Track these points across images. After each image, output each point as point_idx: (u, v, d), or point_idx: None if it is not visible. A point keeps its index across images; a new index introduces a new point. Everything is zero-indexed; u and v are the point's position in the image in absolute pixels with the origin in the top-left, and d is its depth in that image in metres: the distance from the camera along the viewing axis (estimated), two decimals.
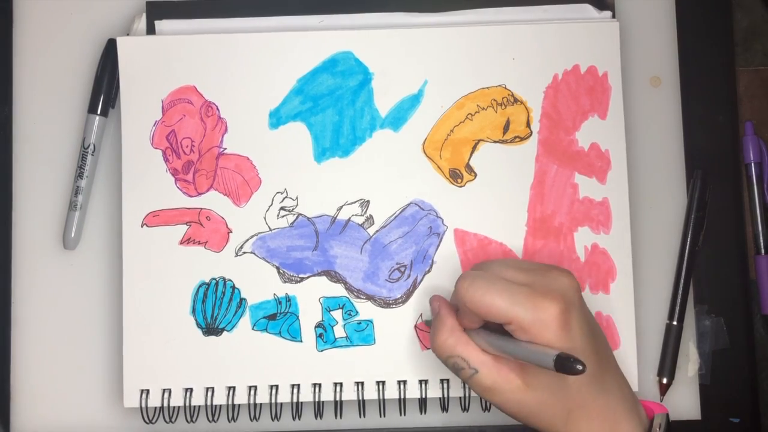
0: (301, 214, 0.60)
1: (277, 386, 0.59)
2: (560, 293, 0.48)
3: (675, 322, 0.60)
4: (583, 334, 0.48)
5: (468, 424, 0.60)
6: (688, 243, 0.60)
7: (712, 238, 0.61)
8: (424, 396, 0.59)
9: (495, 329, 0.50)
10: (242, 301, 0.59)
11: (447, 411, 0.59)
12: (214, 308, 0.59)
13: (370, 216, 0.60)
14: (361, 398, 0.59)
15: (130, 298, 0.59)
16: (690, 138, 0.62)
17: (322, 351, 0.59)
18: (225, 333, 0.59)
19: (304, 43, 0.60)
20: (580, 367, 0.43)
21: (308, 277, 0.60)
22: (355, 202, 0.60)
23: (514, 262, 0.52)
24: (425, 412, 0.59)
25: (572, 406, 0.49)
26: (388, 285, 0.59)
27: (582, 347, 0.48)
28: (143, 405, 0.59)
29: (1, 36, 0.63)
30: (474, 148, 0.60)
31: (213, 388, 0.59)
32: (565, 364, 0.44)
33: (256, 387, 0.59)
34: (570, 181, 0.60)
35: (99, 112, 0.61)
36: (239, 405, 0.59)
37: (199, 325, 0.59)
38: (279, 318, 0.59)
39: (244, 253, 0.60)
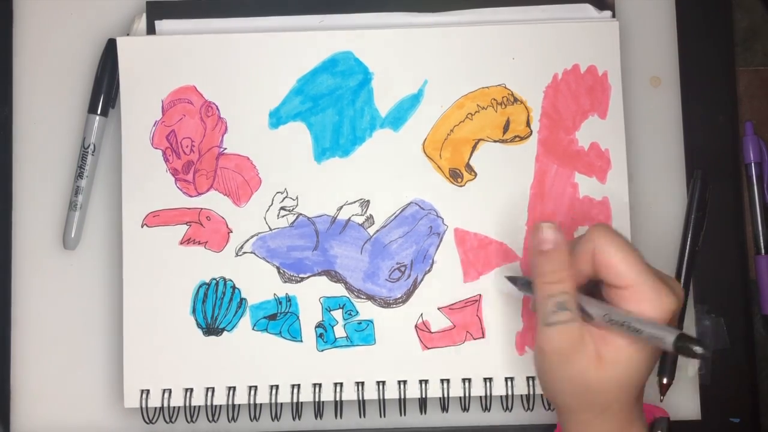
0: (301, 214, 0.60)
1: (277, 386, 0.59)
2: (678, 294, 0.48)
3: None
4: (658, 354, 0.49)
5: (468, 424, 0.60)
6: (688, 243, 0.60)
7: (712, 238, 0.61)
8: (424, 396, 0.59)
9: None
10: (242, 301, 0.59)
11: (447, 411, 0.59)
12: (215, 308, 0.59)
13: (370, 216, 0.60)
14: (361, 398, 0.59)
15: (130, 298, 0.59)
16: (690, 138, 0.62)
17: (322, 351, 0.59)
18: (225, 333, 0.59)
19: (304, 43, 0.60)
20: (700, 350, 0.42)
21: (308, 277, 0.60)
22: (355, 202, 0.60)
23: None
24: (425, 412, 0.59)
25: (621, 397, 0.48)
26: (389, 285, 0.59)
27: (654, 360, 0.48)
28: (143, 405, 0.59)
29: (1, 36, 0.63)
30: (474, 147, 0.60)
31: (213, 388, 0.59)
32: (684, 345, 0.42)
33: (256, 387, 0.59)
34: (570, 180, 0.60)
35: (99, 112, 0.61)
36: (239, 405, 0.59)
37: (199, 326, 0.59)
38: (279, 318, 0.59)
39: (245, 253, 0.60)
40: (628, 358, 0.47)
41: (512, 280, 0.56)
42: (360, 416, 0.59)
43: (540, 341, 0.48)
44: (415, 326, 0.59)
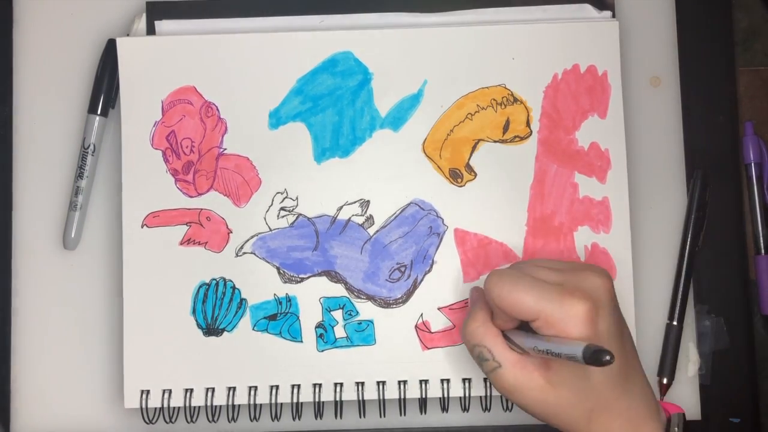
0: (301, 215, 0.60)
1: (277, 386, 0.59)
2: (589, 292, 0.48)
3: (675, 322, 0.60)
4: (611, 334, 0.48)
5: (468, 425, 0.60)
6: (688, 243, 0.60)
7: (712, 238, 0.61)
8: (424, 396, 0.59)
9: (525, 330, 0.50)
10: (242, 301, 0.59)
11: (447, 411, 0.59)
12: (215, 309, 0.59)
13: (370, 216, 0.60)
14: (361, 398, 0.59)
15: (130, 299, 0.59)
16: (690, 138, 0.62)
17: (322, 351, 0.59)
18: (225, 333, 0.59)
19: (304, 43, 0.60)
20: (608, 358, 0.42)
21: (308, 278, 0.60)
22: (355, 202, 0.60)
23: (548, 261, 0.52)
24: (425, 413, 0.59)
25: (595, 406, 0.48)
26: (389, 285, 0.59)
27: (608, 347, 0.47)
28: (143, 405, 0.59)
29: (1, 36, 0.63)
30: (474, 147, 0.60)
31: (213, 388, 0.59)
32: (593, 356, 0.43)
33: (256, 387, 0.59)
34: (570, 180, 0.60)
35: (99, 112, 0.61)
36: (239, 405, 0.59)
37: (199, 326, 0.59)
38: (279, 318, 0.59)
39: (245, 253, 0.60)
40: (573, 373, 0.48)
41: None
42: (360, 416, 0.59)
43: (496, 388, 0.51)
44: (415, 326, 0.59)
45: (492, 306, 0.50)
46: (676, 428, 0.50)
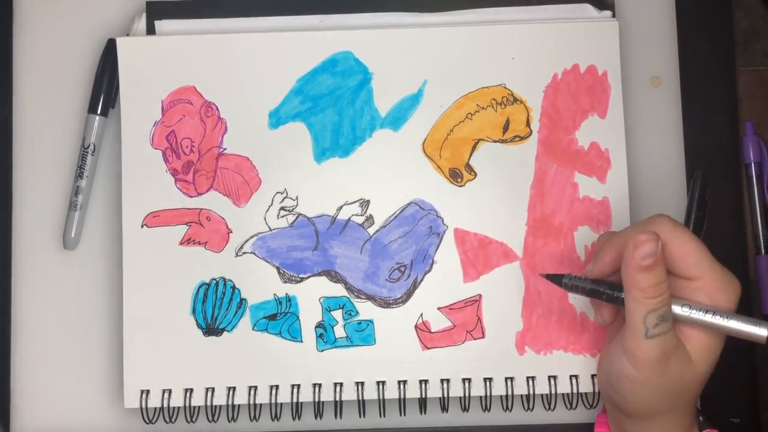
0: (301, 214, 0.60)
1: (277, 386, 0.59)
2: (736, 278, 0.49)
3: None
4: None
5: (468, 424, 0.60)
6: None
7: (712, 238, 0.61)
8: (424, 396, 0.59)
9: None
10: (242, 301, 0.59)
11: (447, 411, 0.59)
12: (215, 308, 0.59)
13: (370, 216, 0.60)
14: (361, 398, 0.59)
15: (130, 299, 0.59)
16: (690, 138, 0.62)
17: (322, 351, 0.59)
18: (225, 333, 0.59)
19: (304, 43, 0.60)
20: None
21: (308, 277, 0.60)
22: (355, 202, 0.60)
23: None
24: (425, 413, 0.59)
25: (695, 395, 0.50)
26: (389, 285, 0.59)
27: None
28: (143, 405, 0.59)
29: (1, 36, 0.63)
30: (474, 147, 0.60)
31: (213, 388, 0.59)
32: None
33: (256, 387, 0.59)
34: (570, 180, 0.60)
35: (99, 112, 0.61)
36: (239, 405, 0.59)
37: (199, 326, 0.59)
38: (279, 318, 0.59)
39: (244, 253, 0.60)
40: (711, 351, 0.49)
41: (553, 279, 0.53)
42: (360, 416, 0.59)
43: (640, 353, 0.48)
44: (415, 326, 0.59)
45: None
46: None
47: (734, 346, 0.60)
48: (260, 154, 0.60)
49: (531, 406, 0.59)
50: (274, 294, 0.59)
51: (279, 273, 0.60)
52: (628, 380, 0.49)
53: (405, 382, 0.59)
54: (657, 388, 0.48)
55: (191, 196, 0.60)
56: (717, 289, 0.48)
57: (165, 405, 0.59)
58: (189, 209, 0.60)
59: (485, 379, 0.59)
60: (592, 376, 0.58)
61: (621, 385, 0.49)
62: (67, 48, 0.63)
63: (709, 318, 0.47)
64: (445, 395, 0.59)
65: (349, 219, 0.60)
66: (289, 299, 0.59)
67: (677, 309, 0.48)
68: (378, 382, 0.59)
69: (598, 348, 0.59)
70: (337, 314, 0.59)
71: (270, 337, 0.59)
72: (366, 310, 0.59)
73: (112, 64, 0.61)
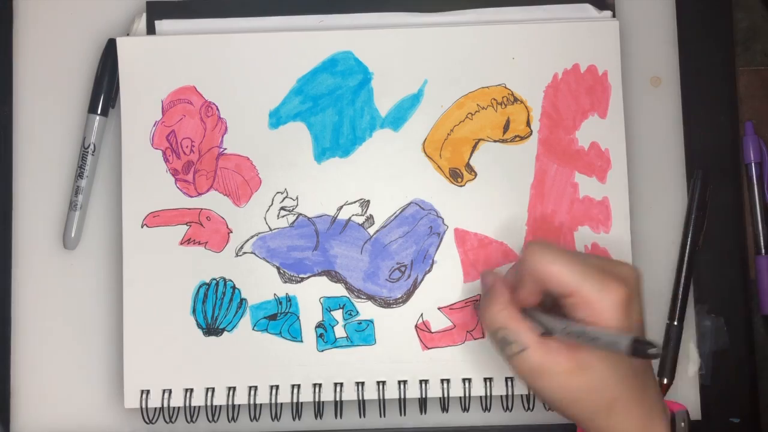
0: (301, 214, 0.60)
1: (277, 386, 0.59)
2: (627, 279, 0.48)
3: (675, 323, 0.60)
4: (639, 325, 0.48)
5: (468, 425, 0.60)
6: (688, 243, 0.60)
7: (712, 238, 0.61)
8: (424, 396, 0.59)
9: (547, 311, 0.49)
10: (243, 301, 0.59)
11: (447, 411, 0.59)
12: (215, 308, 0.59)
13: (371, 216, 0.60)
14: (361, 398, 0.59)
15: (130, 299, 0.59)
16: (690, 138, 0.62)
17: (322, 351, 0.59)
18: (225, 333, 0.59)
19: (304, 43, 0.60)
20: (654, 351, 0.43)
21: (308, 277, 0.60)
22: (355, 202, 0.60)
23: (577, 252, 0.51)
24: (425, 413, 0.59)
25: (619, 396, 0.48)
26: (389, 285, 0.59)
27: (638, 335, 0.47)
28: (143, 405, 0.59)
29: (1, 36, 0.63)
30: (474, 147, 0.60)
31: (213, 388, 0.59)
32: (639, 348, 0.43)
33: (256, 387, 0.59)
34: (570, 180, 0.60)
35: (99, 112, 0.61)
36: (239, 405, 0.59)
37: (199, 326, 0.59)
38: (279, 318, 0.59)
39: (245, 253, 0.60)
40: (601, 359, 0.47)
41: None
42: (360, 416, 0.59)
43: (515, 374, 0.50)
44: (416, 326, 0.59)
45: (525, 278, 0.49)
46: (683, 424, 0.50)
47: (734, 346, 0.60)
48: (260, 154, 0.60)
49: (531, 406, 0.59)
50: (275, 294, 0.59)
51: (279, 273, 0.60)
52: (537, 395, 0.51)
53: (405, 382, 0.59)
54: (554, 399, 0.49)
55: (191, 196, 0.60)
56: (590, 302, 0.47)
57: (165, 405, 0.59)
58: (189, 209, 0.60)
59: (485, 379, 0.59)
60: None
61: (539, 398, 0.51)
62: (67, 48, 0.63)
63: (579, 337, 0.47)
64: (446, 395, 0.59)
65: (349, 219, 0.60)
66: (289, 299, 0.59)
67: (556, 325, 0.48)
68: (378, 382, 0.59)
69: None
70: (338, 314, 0.59)
71: (270, 337, 0.59)
72: (366, 310, 0.59)
73: (112, 64, 0.61)
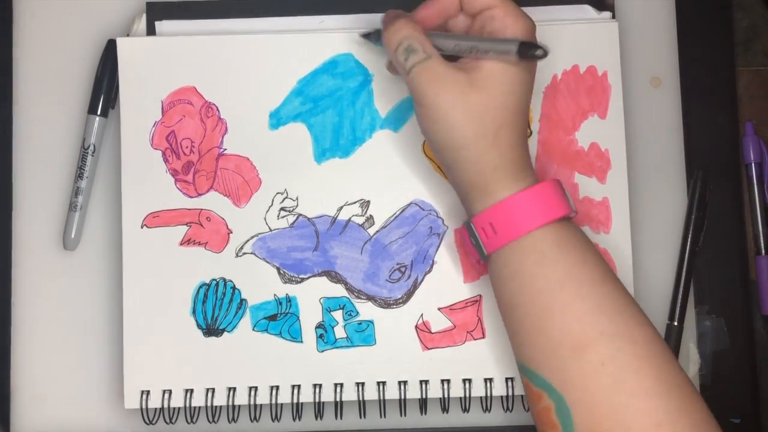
0: (301, 215, 0.60)
1: (277, 387, 0.59)
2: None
3: (675, 323, 0.60)
4: (532, 71, 0.50)
5: (468, 425, 0.60)
6: (688, 243, 0.60)
7: (712, 238, 0.61)
8: (424, 396, 0.59)
9: None
10: (243, 301, 0.59)
11: (447, 412, 0.59)
12: (215, 309, 0.59)
13: (371, 216, 0.60)
14: (361, 399, 0.59)
15: (130, 299, 0.59)
16: (690, 138, 0.62)
17: (322, 351, 0.59)
18: (225, 334, 0.59)
19: (305, 45, 0.60)
20: (540, 52, 0.45)
21: (309, 278, 0.60)
22: (355, 203, 0.60)
23: None
24: (426, 413, 0.59)
25: (506, 122, 0.49)
26: (389, 285, 0.59)
27: (533, 68, 0.50)
28: (144, 406, 0.59)
29: (1, 36, 0.63)
30: None
31: (213, 389, 0.59)
32: (528, 48, 0.46)
33: (256, 388, 0.59)
34: (570, 180, 0.60)
35: (99, 112, 0.61)
36: (239, 406, 0.59)
37: (199, 326, 0.59)
38: (279, 318, 0.59)
39: (245, 253, 0.60)
40: (498, 79, 0.49)
41: (367, 36, 0.57)
42: (360, 417, 0.59)
43: (412, 93, 0.50)
44: (416, 327, 0.59)
45: None
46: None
47: (734, 347, 0.60)
48: (260, 155, 0.60)
49: None
50: (275, 294, 0.59)
51: (279, 273, 0.60)
52: (420, 124, 0.51)
53: (405, 382, 0.59)
54: (442, 120, 0.49)
55: (191, 197, 0.60)
56: (509, 16, 0.49)
57: (165, 405, 0.59)
58: (189, 210, 0.60)
59: (486, 380, 0.59)
60: None
61: (422, 123, 0.51)
62: (67, 48, 0.63)
63: (471, 50, 0.49)
64: (446, 396, 0.59)
65: (349, 219, 0.60)
66: (289, 300, 0.59)
67: (447, 42, 0.50)
68: (378, 383, 0.59)
69: None
70: (338, 315, 0.59)
71: (270, 337, 0.59)
72: (366, 310, 0.59)
73: (112, 65, 0.61)
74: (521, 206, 0.49)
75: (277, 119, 0.60)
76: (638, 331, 0.47)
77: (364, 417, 0.59)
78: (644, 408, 0.45)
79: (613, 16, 0.61)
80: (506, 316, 0.51)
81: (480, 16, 0.50)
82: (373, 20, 0.61)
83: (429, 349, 0.59)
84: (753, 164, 0.62)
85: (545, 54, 0.45)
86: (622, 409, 0.46)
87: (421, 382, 0.59)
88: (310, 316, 0.59)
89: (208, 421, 0.59)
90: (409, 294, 0.59)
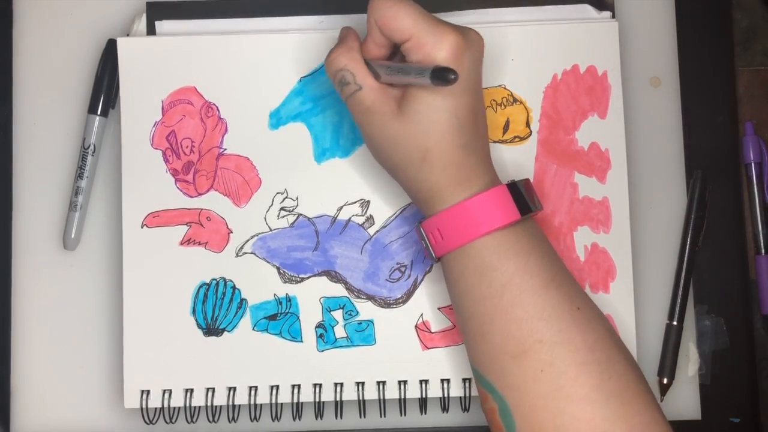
0: (301, 215, 0.60)
1: (277, 387, 0.59)
2: (463, 32, 0.49)
3: (675, 322, 0.60)
4: (469, 79, 0.49)
5: (468, 425, 0.60)
6: (688, 243, 0.60)
7: (712, 238, 0.61)
8: (424, 396, 0.59)
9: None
10: (243, 301, 0.59)
11: (447, 411, 0.59)
12: (215, 309, 0.59)
13: (371, 216, 0.60)
14: (361, 398, 0.59)
15: (130, 299, 0.59)
16: (690, 138, 0.62)
17: (322, 351, 0.59)
18: (225, 333, 0.59)
19: (305, 45, 0.60)
20: (452, 76, 0.45)
21: (309, 278, 0.60)
22: (355, 203, 0.60)
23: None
24: (426, 413, 0.59)
25: (432, 145, 0.49)
26: (389, 285, 0.59)
27: (463, 89, 0.49)
28: (144, 406, 0.59)
29: (1, 36, 0.63)
30: None
31: (213, 388, 0.59)
32: (440, 73, 0.45)
33: (256, 387, 0.59)
34: (570, 180, 0.60)
35: (99, 112, 0.61)
36: (240, 405, 0.59)
37: (199, 326, 0.59)
38: (279, 318, 0.59)
39: (245, 253, 0.60)
40: (418, 107, 0.49)
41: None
42: (360, 416, 0.59)
43: (353, 116, 0.52)
44: (416, 326, 0.59)
45: (370, 25, 0.51)
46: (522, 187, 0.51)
47: (734, 346, 0.60)
48: (260, 155, 0.60)
49: None
50: (275, 294, 0.59)
51: (279, 273, 0.60)
52: (365, 139, 0.53)
53: (405, 382, 0.59)
54: (375, 142, 0.51)
55: (191, 197, 0.60)
56: (425, 44, 0.48)
57: (165, 405, 0.59)
58: (189, 209, 0.60)
59: None
60: None
61: (367, 145, 0.53)
62: (67, 48, 0.63)
63: (398, 74, 0.49)
64: (446, 395, 0.59)
65: (349, 219, 0.60)
66: (289, 299, 0.59)
67: (383, 70, 0.50)
68: (378, 382, 0.59)
69: None
70: (338, 314, 0.59)
71: (270, 337, 0.59)
72: (366, 310, 0.59)
73: (112, 65, 0.61)
74: (461, 217, 0.50)
75: (277, 119, 0.60)
76: (581, 337, 0.48)
77: (364, 417, 0.59)
78: (581, 415, 0.47)
79: (613, 16, 0.61)
80: (456, 317, 0.52)
81: (403, 48, 0.50)
82: None
83: (429, 348, 0.59)
84: (753, 164, 0.62)
85: (456, 78, 0.45)
86: (561, 415, 0.47)
87: (421, 381, 0.59)
88: (310, 316, 0.59)
89: (208, 420, 0.59)
90: (409, 294, 0.59)
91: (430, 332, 0.59)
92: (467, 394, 0.59)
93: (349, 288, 0.59)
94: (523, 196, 0.51)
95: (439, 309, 0.59)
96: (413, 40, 0.49)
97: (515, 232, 0.50)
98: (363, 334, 0.59)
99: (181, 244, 0.60)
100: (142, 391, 0.59)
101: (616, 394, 0.47)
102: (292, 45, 0.60)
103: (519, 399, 0.48)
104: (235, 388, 0.59)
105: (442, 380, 0.59)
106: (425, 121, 0.49)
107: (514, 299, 0.49)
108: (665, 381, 0.59)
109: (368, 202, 0.60)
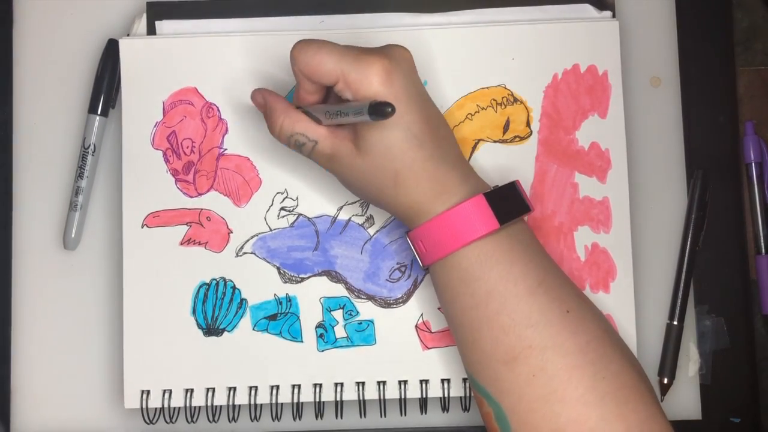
0: (301, 215, 0.60)
1: (277, 387, 0.59)
2: (387, 54, 0.50)
3: (675, 322, 0.60)
4: (408, 94, 0.50)
5: (468, 425, 0.60)
6: (688, 243, 0.60)
7: (712, 238, 0.61)
8: (424, 396, 0.59)
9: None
10: (243, 301, 0.59)
11: (448, 411, 0.59)
12: (215, 309, 0.59)
13: (371, 216, 0.60)
14: (361, 398, 0.59)
15: (130, 299, 0.59)
16: (690, 138, 0.62)
17: (322, 351, 0.59)
18: (226, 333, 0.59)
19: None
20: (389, 109, 0.45)
21: (309, 278, 0.60)
22: (355, 202, 0.60)
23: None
24: (426, 413, 0.59)
25: (400, 167, 0.50)
26: (389, 285, 0.59)
27: (405, 105, 0.49)
28: (144, 406, 0.59)
29: (1, 36, 0.63)
30: (474, 147, 0.60)
31: (213, 388, 0.59)
32: (376, 108, 0.45)
33: (256, 387, 0.59)
34: (570, 180, 0.60)
35: (99, 112, 0.61)
36: (240, 405, 0.59)
37: (199, 326, 0.59)
38: (279, 318, 0.59)
39: (245, 253, 0.60)
40: (378, 137, 0.49)
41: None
42: (360, 416, 0.59)
43: (321, 165, 0.54)
44: (416, 326, 0.59)
45: (297, 75, 0.51)
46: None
47: (734, 346, 0.60)
48: (261, 155, 0.60)
49: None
50: (275, 294, 0.59)
51: (279, 273, 0.60)
52: (339, 179, 0.54)
53: (405, 382, 0.59)
54: (353, 184, 0.53)
55: (191, 197, 0.60)
56: (353, 79, 0.49)
57: (165, 405, 0.59)
58: (189, 209, 0.60)
59: None
60: None
61: (342, 184, 0.55)
62: (67, 48, 0.63)
63: (337, 116, 0.49)
64: (446, 395, 0.59)
65: (349, 219, 0.60)
66: (289, 299, 0.59)
67: (322, 115, 0.51)
68: (378, 382, 0.59)
69: None
70: (338, 314, 0.59)
71: (270, 337, 0.59)
72: (366, 310, 0.59)
73: (113, 65, 0.61)
74: (440, 228, 0.50)
75: None
76: (572, 340, 0.48)
77: (365, 416, 0.59)
78: (577, 417, 0.47)
79: (614, 16, 0.61)
80: (448, 324, 0.53)
81: (335, 90, 0.51)
82: (372, 20, 0.61)
83: (429, 348, 0.59)
84: (753, 164, 0.62)
85: (393, 110, 0.45)
86: (555, 418, 0.47)
87: (421, 381, 0.59)
88: (310, 316, 0.59)
89: (209, 420, 0.59)
90: (409, 294, 0.59)
91: (431, 332, 0.59)
92: (467, 394, 0.59)
93: (350, 288, 0.59)
94: (505, 202, 0.51)
95: (439, 309, 0.59)
96: (341, 82, 0.49)
97: (497, 239, 0.50)
98: (363, 334, 0.59)
99: (182, 244, 0.60)
100: (143, 391, 0.59)
101: (611, 393, 0.47)
102: (292, 45, 0.60)
103: (513, 404, 0.48)
104: (235, 388, 0.59)
105: (443, 380, 0.59)
106: (383, 149, 0.50)
107: (500, 307, 0.49)
108: (665, 381, 0.59)
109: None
